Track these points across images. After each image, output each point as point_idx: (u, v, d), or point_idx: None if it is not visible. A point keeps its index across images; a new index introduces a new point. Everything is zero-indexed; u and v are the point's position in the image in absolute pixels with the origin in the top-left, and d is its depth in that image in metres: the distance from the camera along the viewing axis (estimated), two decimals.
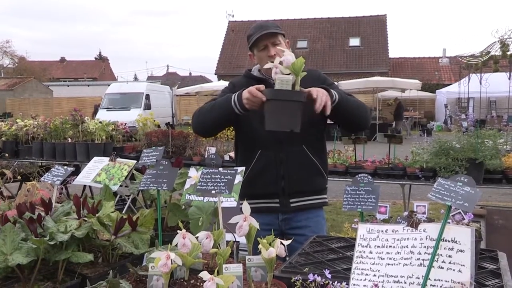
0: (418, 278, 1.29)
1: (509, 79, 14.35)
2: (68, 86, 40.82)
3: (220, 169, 1.88)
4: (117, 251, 1.98)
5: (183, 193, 2.30)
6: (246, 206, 1.66)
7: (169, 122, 6.73)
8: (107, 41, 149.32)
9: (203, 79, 48.94)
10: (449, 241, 1.29)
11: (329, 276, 1.38)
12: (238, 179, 2.06)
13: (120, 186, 3.39)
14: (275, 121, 2.02)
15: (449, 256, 1.27)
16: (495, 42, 12.76)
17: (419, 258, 1.32)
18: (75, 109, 6.31)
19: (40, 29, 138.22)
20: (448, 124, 21.30)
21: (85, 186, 5.18)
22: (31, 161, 6.41)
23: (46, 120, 6.73)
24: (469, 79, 16.41)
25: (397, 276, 1.33)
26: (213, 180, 1.84)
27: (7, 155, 6.39)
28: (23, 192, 2.73)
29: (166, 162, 2.01)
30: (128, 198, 4.27)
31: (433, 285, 1.26)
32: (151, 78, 49.77)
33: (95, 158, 3.64)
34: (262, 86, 2.09)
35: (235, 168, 1.94)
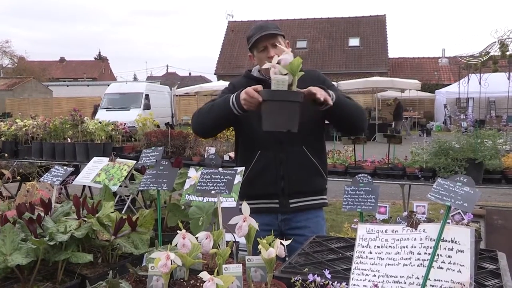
0: (418, 278, 1.29)
1: (509, 79, 14.35)
2: (67, 86, 40.77)
3: (220, 169, 1.88)
4: (117, 251, 1.98)
5: (183, 193, 2.31)
6: (245, 207, 1.66)
7: (168, 122, 6.74)
8: (106, 41, 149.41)
9: (202, 79, 48.92)
10: (448, 241, 1.29)
11: (328, 276, 1.38)
12: (238, 179, 2.06)
13: (120, 186, 3.38)
14: (272, 122, 2.02)
15: (449, 256, 1.27)
16: (494, 42, 12.75)
17: (418, 258, 1.32)
18: (75, 109, 6.30)
19: (40, 29, 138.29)
20: (447, 124, 21.32)
21: (84, 186, 5.18)
22: (31, 161, 6.40)
23: (45, 120, 6.72)
24: (468, 79, 16.40)
25: (396, 276, 1.33)
26: (212, 180, 1.84)
27: (6, 155, 6.38)
28: (22, 193, 2.73)
29: (166, 162, 2.01)
30: (128, 199, 4.27)
31: (433, 285, 1.26)
32: (150, 78, 49.74)
33: (95, 158, 3.64)
34: (259, 87, 2.09)
35: (234, 168, 1.94)
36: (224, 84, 19.55)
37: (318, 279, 1.36)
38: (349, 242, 1.96)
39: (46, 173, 2.63)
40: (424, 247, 1.32)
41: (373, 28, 34.25)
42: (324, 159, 2.55)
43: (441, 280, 1.26)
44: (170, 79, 47.98)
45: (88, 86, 39.34)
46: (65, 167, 2.63)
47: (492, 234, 3.92)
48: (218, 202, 1.84)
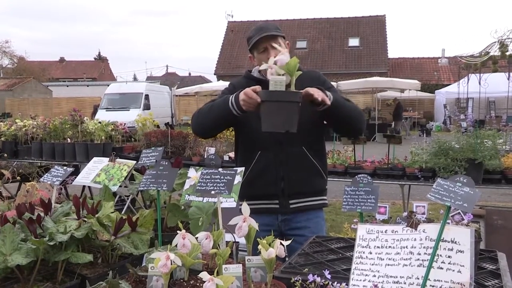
0: (418, 278, 1.29)
1: (508, 79, 14.37)
2: (67, 86, 40.76)
3: (220, 169, 1.88)
4: (117, 251, 1.98)
5: (183, 193, 2.31)
6: (245, 207, 1.66)
7: (168, 122, 6.74)
8: (106, 41, 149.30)
9: (202, 79, 48.92)
10: (448, 242, 1.29)
11: (328, 276, 1.38)
12: (238, 179, 2.06)
13: (120, 186, 3.39)
14: (270, 122, 2.02)
15: (449, 257, 1.27)
16: (494, 42, 12.76)
17: (418, 259, 1.32)
18: (75, 109, 6.30)
19: (40, 29, 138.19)
20: (447, 124, 21.33)
21: (84, 186, 5.18)
22: (30, 161, 6.40)
23: (45, 120, 6.71)
24: (468, 80, 16.41)
25: (396, 277, 1.33)
26: (212, 180, 1.84)
27: (6, 155, 6.38)
28: (22, 193, 2.73)
29: (166, 163, 2.01)
30: (128, 199, 4.27)
31: (433, 286, 1.26)
32: (150, 78, 49.75)
33: (95, 159, 3.64)
34: (258, 87, 2.09)
35: (234, 168, 1.94)
36: (223, 84, 19.57)
37: (318, 279, 1.36)
38: (349, 243, 1.96)
39: (46, 173, 2.63)
40: (424, 247, 1.32)
41: (373, 28, 34.26)
42: (324, 160, 2.55)
43: (441, 281, 1.26)
44: (170, 79, 47.99)
45: (88, 86, 39.33)
46: (65, 167, 2.63)
47: (492, 234, 3.92)
48: (218, 202, 1.84)
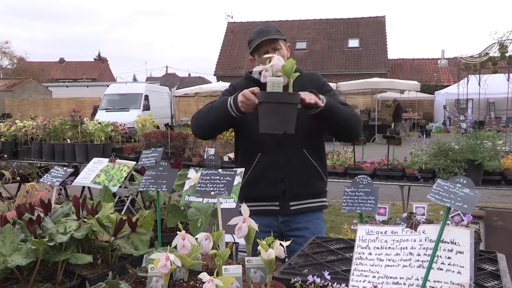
0: (418, 279, 1.29)
1: (508, 80, 14.38)
2: (67, 87, 40.75)
3: (219, 170, 1.88)
4: (117, 252, 1.98)
5: (183, 194, 2.31)
6: (245, 208, 1.66)
7: (168, 123, 6.74)
8: (106, 41, 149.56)
9: (202, 80, 48.95)
10: (448, 243, 1.29)
11: (328, 277, 1.38)
12: (237, 180, 2.06)
13: (119, 187, 3.39)
14: (267, 124, 2.01)
15: (449, 258, 1.27)
16: (493, 43, 12.78)
17: (418, 260, 1.32)
18: (74, 110, 6.30)
19: (40, 30, 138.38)
20: (447, 125, 21.27)
21: (84, 187, 5.18)
22: (30, 162, 6.40)
23: (45, 121, 6.71)
24: (467, 81, 16.43)
25: (396, 278, 1.33)
26: (212, 181, 1.84)
27: (6, 156, 6.38)
28: (22, 193, 2.72)
29: (166, 163, 2.01)
30: (127, 199, 4.27)
31: (432, 287, 1.27)
32: (150, 79, 49.78)
33: (95, 159, 3.64)
34: (256, 89, 2.09)
35: (234, 169, 1.94)
36: (223, 85, 19.60)
37: (318, 280, 1.36)
38: (349, 243, 1.97)
39: (46, 174, 2.63)
40: (424, 248, 1.32)
41: (373, 29, 34.27)
42: (324, 162, 2.55)
43: (441, 282, 1.26)
44: (169, 80, 48.03)
45: (87, 87, 39.32)
46: (64, 168, 2.63)
47: (492, 236, 3.92)
48: (218, 203, 1.84)
